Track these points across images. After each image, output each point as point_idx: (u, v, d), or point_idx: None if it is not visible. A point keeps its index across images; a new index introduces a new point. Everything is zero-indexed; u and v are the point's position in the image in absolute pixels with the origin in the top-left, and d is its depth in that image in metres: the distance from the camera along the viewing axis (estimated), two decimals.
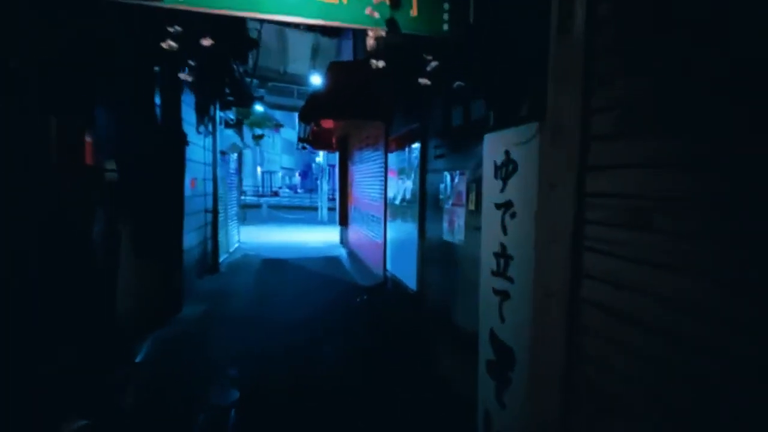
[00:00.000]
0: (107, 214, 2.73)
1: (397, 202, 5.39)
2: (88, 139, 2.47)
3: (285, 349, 3.69)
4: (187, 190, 5.30)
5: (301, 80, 15.38)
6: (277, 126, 14.47)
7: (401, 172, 5.24)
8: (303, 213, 18.50)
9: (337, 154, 10.60)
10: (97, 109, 2.63)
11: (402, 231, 5.20)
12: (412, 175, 4.72)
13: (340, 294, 5.69)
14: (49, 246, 2.26)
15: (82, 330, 2.54)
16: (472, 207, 3.15)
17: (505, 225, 2.30)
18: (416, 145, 4.51)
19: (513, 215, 2.24)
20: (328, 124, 9.29)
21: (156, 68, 3.59)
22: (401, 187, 5.23)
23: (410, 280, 4.78)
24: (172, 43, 2.90)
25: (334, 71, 5.52)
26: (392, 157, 5.71)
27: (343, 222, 9.80)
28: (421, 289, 4.44)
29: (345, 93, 5.42)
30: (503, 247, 2.32)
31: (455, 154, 3.50)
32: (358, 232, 8.39)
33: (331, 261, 8.23)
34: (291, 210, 19.71)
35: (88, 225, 2.49)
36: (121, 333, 2.98)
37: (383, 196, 6.14)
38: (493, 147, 2.47)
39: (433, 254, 4.01)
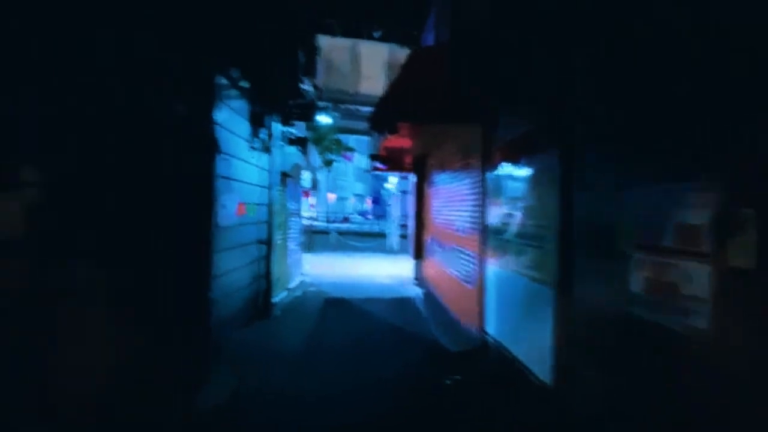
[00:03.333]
0: (35, 258, 1.62)
1: (507, 235, 3.71)
2: None
3: None
4: (232, 217, 4.26)
5: (374, 100, 14.74)
6: (347, 150, 13.78)
7: (513, 191, 3.59)
8: (372, 240, 17.43)
9: (410, 179, 9.32)
10: None
11: (516, 280, 3.49)
12: (538, 195, 3.06)
13: (420, 363, 4.08)
14: None
15: None
16: (743, 262, 1.40)
17: None
18: (547, 148, 2.87)
19: None
20: (403, 141, 8.06)
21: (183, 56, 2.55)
22: (512, 215, 3.58)
23: (537, 363, 3.01)
24: None
25: (416, 61, 4.21)
26: (495, 174, 4.10)
27: (419, 255, 8.27)
28: (562, 384, 2.64)
29: (430, 88, 4.04)
30: None
31: (662, 143, 1.79)
32: (438, 270, 6.77)
33: (405, 305, 6.69)
34: (360, 237, 18.79)
35: None
36: None
37: (479, 226, 4.50)
38: None
39: (599, 335, 2.25)
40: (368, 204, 42.22)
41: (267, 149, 5.19)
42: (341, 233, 17.64)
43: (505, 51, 3.19)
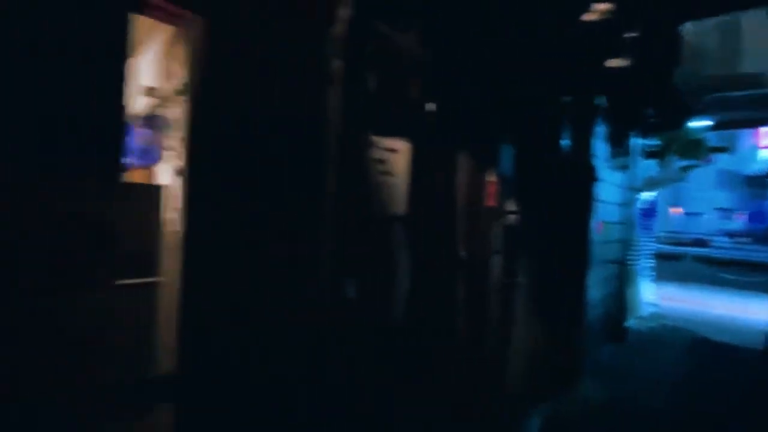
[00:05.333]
0: (506, 261, 2.48)
1: None
2: (491, 178, 2.33)
3: None
4: (594, 235, 4.49)
5: (758, 81, 10.59)
6: (715, 150, 10.54)
7: None
8: (756, 274, 12.33)
9: None
10: (500, 143, 2.48)
11: None
12: None
13: None
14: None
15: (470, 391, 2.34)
16: None
17: None
18: None
19: None
20: None
21: (566, 97, 3.14)
22: None
23: None
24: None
25: None
26: None
27: None
28: None
29: None
30: None
31: None
32: None
33: None
34: (730, 267, 13.78)
35: (484, 273, 2.31)
36: (508, 402, 2.59)
37: None
38: None
39: None
40: (740, 220, 30.10)
41: (624, 167, 5.06)
42: (698, 259, 13.58)
43: None
